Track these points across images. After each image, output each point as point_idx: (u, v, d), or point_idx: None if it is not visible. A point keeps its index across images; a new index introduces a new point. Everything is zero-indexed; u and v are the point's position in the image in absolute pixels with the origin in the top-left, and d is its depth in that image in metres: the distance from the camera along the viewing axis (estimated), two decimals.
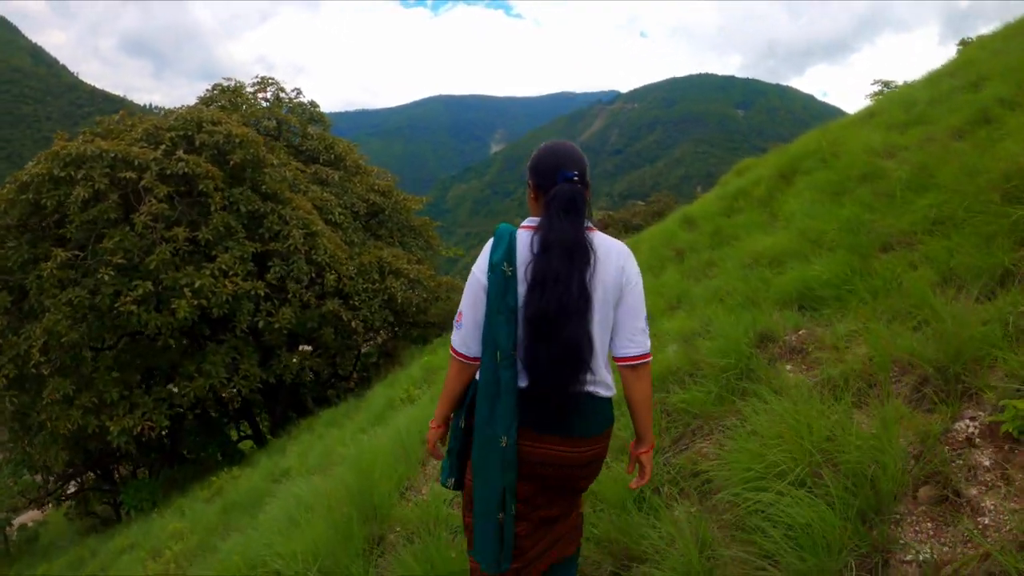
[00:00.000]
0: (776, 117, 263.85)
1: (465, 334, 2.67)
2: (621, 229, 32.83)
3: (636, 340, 2.63)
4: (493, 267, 2.55)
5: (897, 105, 9.96)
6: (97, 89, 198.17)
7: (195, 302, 14.43)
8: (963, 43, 21.98)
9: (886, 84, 23.16)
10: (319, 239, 16.57)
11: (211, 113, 17.02)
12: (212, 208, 15.40)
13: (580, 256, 2.49)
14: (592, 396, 2.59)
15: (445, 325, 21.04)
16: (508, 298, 2.52)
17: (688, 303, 6.55)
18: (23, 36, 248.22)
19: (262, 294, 15.45)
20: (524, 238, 2.57)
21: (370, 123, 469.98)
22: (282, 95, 23.59)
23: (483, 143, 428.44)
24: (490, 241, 2.63)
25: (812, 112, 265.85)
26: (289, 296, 16.19)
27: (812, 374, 4.00)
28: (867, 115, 11.22)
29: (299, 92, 24.23)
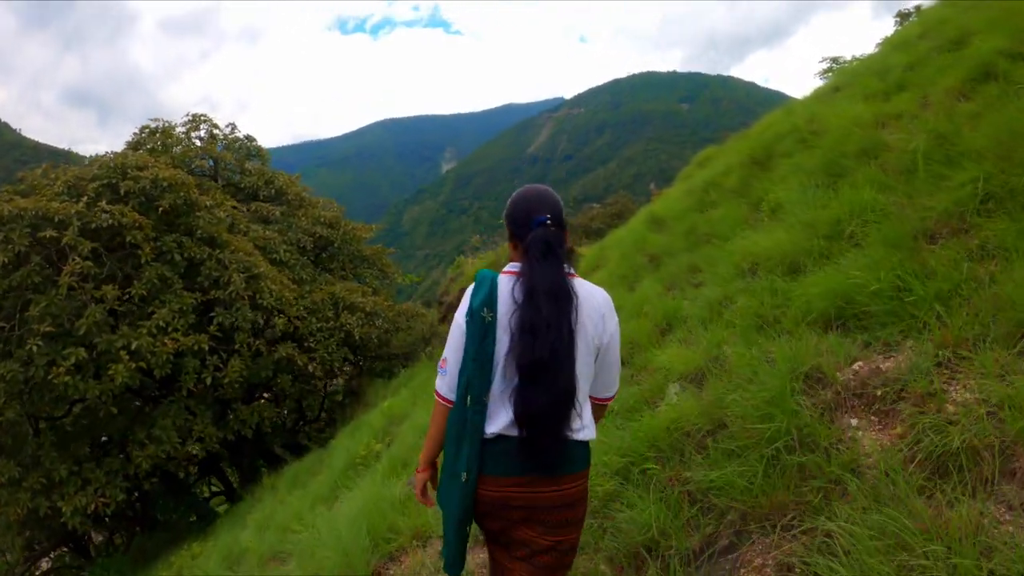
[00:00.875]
0: (720, 107, 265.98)
1: (449, 379, 2.71)
2: (581, 235, 32.09)
3: (613, 384, 2.89)
4: (472, 313, 2.61)
5: (868, 75, 9.06)
6: (41, 144, 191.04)
7: (133, 365, 13.24)
8: (900, 15, 22.22)
9: (835, 60, 22.74)
10: (262, 282, 15.39)
11: (137, 158, 15.80)
12: (143, 260, 14.23)
13: (565, 300, 2.52)
14: (568, 441, 2.59)
15: (411, 355, 20.01)
16: (486, 344, 2.57)
17: (681, 325, 5.60)
18: None
19: (206, 348, 14.28)
20: (506, 284, 2.63)
21: (318, 154, 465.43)
22: (216, 132, 22.25)
23: (434, 163, 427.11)
24: (471, 287, 2.70)
25: (756, 99, 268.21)
26: (237, 347, 15.01)
27: (902, 440, 2.86)
28: (831, 90, 10.38)
29: (234, 127, 22.97)
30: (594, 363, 2.70)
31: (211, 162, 21.31)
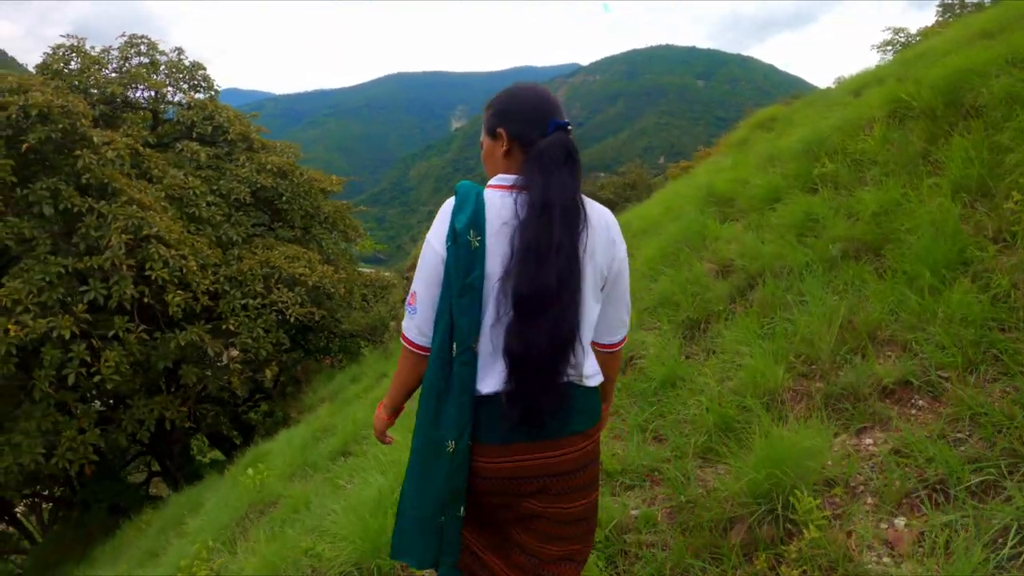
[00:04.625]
0: (737, 87, 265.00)
1: (420, 320, 2.16)
2: None
3: (622, 325, 2.42)
4: (456, 236, 2.04)
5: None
6: None
7: None
8: (943, 5, 21.51)
9: (897, 32, 20.52)
10: (152, 247, 11.75)
11: (15, 79, 12.39)
12: None
13: (577, 224, 2.07)
14: (573, 386, 2.11)
15: (373, 334, 16.89)
16: (474, 276, 2.04)
17: None
18: None
19: (67, 335, 10.75)
20: (495, 200, 2.10)
21: (327, 104, 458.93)
22: (159, 57, 18.58)
23: (443, 120, 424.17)
24: (448, 203, 2.13)
25: (773, 82, 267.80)
26: (115, 332, 11.57)
27: None
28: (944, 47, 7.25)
29: (181, 52, 19.24)
30: (600, 294, 2.22)
31: (140, 91, 17.62)
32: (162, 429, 13.41)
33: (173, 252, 11.93)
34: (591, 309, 2.17)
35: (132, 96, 17.55)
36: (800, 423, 3.38)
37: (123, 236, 11.30)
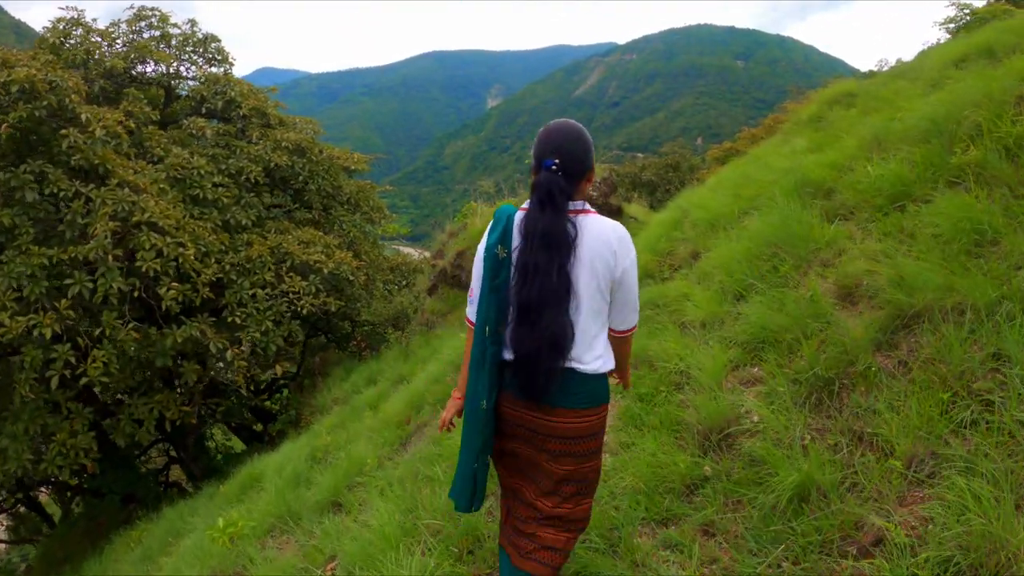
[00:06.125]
0: (777, 68, 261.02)
1: (472, 307, 2.90)
2: (629, 186, 27.66)
3: (629, 319, 2.90)
4: (488, 249, 2.76)
5: None
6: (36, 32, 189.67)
7: None
8: None
9: (962, 8, 19.06)
10: (143, 235, 10.49)
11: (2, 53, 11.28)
12: None
13: (559, 247, 2.60)
14: (573, 371, 2.70)
15: (397, 324, 15.53)
16: (499, 280, 2.71)
17: None
18: (6, 13, 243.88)
19: (49, 334, 9.61)
20: (519, 221, 2.74)
21: (363, 82, 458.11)
22: (173, 30, 17.26)
23: (479, 98, 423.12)
24: (492, 222, 2.83)
25: (814, 63, 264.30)
26: (102, 330, 10.34)
27: None
28: None
29: (194, 24, 17.81)
30: (608, 296, 2.76)
31: (150, 67, 16.50)
32: (163, 425, 12.40)
33: (169, 240, 10.67)
34: (590, 309, 2.71)
35: (141, 71, 16.50)
36: None
37: (110, 223, 10.15)
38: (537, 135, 2.76)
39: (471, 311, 2.88)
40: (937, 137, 4.96)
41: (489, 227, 2.78)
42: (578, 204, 2.70)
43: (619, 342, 2.96)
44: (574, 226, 2.62)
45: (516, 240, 2.67)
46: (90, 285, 10.04)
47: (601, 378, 2.78)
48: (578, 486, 2.86)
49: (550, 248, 2.56)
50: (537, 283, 2.56)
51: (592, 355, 2.72)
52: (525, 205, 2.73)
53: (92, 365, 9.93)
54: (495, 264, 2.69)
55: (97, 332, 10.24)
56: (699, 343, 4.85)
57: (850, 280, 4.27)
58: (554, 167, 2.63)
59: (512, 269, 2.66)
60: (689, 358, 4.58)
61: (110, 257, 10.02)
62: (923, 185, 4.62)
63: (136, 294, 10.45)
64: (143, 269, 10.32)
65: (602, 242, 2.66)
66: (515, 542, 2.94)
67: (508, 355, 2.71)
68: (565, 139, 2.70)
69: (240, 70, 17.51)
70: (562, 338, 2.59)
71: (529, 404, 2.73)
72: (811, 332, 3.99)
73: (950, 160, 4.54)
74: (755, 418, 3.71)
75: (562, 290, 2.58)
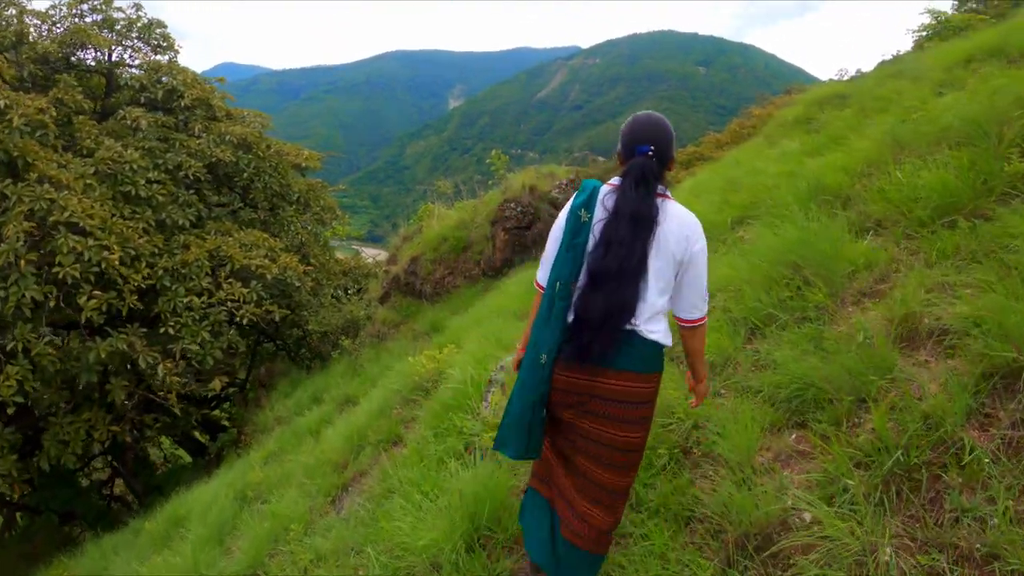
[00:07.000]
0: (737, 75, 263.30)
1: (543, 269, 3.05)
2: None
3: (697, 307, 2.99)
4: (573, 210, 2.92)
5: None
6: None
7: None
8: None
9: (935, 15, 18.91)
10: (60, 239, 9.41)
11: None
12: None
13: (644, 226, 2.79)
14: (634, 333, 2.83)
15: (348, 332, 14.77)
16: (578, 239, 2.87)
17: None
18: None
19: None
20: (606, 194, 2.91)
21: (328, 80, 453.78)
22: (116, 14, 16.17)
23: (441, 99, 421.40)
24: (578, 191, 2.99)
25: (773, 71, 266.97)
26: (18, 345, 9.32)
27: None
28: None
29: (138, 7, 16.71)
30: (674, 278, 2.90)
31: (89, 52, 15.43)
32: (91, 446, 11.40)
33: (91, 242, 9.67)
34: (657, 286, 2.85)
35: (81, 57, 15.44)
36: None
37: (25, 224, 9.13)
38: (627, 123, 2.97)
39: (541, 274, 3.03)
40: (984, 140, 4.18)
41: (576, 193, 2.94)
42: (661, 188, 2.88)
43: (689, 334, 3.07)
44: (658, 208, 2.81)
45: (599, 213, 2.85)
46: (1, 294, 9.00)
47: (659, 348, 2.89)
48: (624, 456, 2.92)
49: (637, 225, 2.76)
50: (619, 255, 2.74)
51: (655, 325, 2.86)
52: (613, 181, 2.90)
53: (5, 383, 8.92)
54: (576, 225, 2.87)
55: (10, 346, 9.19)
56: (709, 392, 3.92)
57: (909, 317, 3.43)
58: (650, 152, 2.84)
59: (591, 237, 2.83)
60: (697, 412, 3.76)
61: (23, 262, 9.00)
62: (975, 196, 3.85)
63: (52, 304, 9.43)
64: (60, 276, 9.31)
65: (680, 225, 2.84)
66: (561, 512, 3.06)
67: (570, 317, 2.85)
68: (657, 129, 2.91)
69: (201, 65, 16.52)
70: (632, 305, 2.78)
71: (583, 369, 2.84)
72: (873, 391, 3.14)
73: (1004, 168, 3.81)
74: (806, 517, 2.84)
75: (640, 265, 2.77)
